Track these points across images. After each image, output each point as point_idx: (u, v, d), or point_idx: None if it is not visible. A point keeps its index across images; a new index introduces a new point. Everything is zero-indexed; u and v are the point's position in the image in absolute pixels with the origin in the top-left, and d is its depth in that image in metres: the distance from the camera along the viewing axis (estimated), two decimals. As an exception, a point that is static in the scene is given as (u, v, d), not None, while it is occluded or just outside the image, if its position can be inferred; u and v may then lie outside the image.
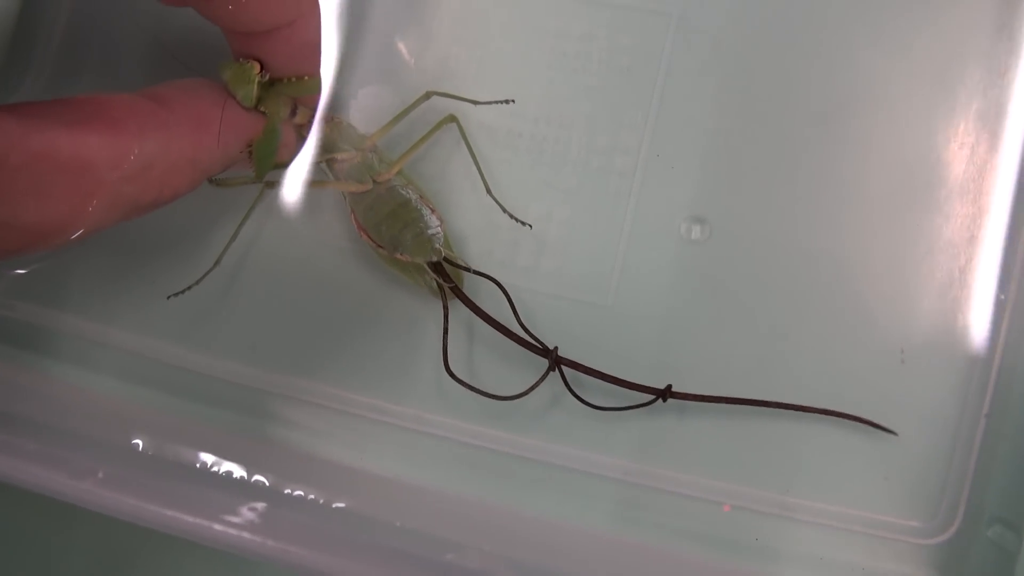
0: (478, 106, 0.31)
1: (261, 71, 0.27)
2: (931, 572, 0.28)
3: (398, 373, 0.31)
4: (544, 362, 0.29)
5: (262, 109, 0.27)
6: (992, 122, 0.29)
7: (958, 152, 0.29)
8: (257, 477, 0.28)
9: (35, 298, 0.32)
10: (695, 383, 0.29)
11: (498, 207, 0.31)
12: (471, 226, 0.31)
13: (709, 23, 0.31)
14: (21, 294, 0.32)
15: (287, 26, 0.26)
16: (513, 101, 0.31)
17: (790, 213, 0.30)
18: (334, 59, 0.31)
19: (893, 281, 0.29)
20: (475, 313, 0.29)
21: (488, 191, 0.30)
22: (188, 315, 0.31)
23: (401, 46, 0.32)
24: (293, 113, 0.28)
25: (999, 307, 0.29)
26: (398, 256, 0.29)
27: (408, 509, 0.28)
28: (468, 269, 0.30)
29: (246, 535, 0.22)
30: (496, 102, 0.31)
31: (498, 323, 0.29)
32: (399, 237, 0.29)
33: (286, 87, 0.27)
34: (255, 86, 0.26)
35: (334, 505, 0.27)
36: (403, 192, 0.29)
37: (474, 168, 0.30)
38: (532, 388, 0.29)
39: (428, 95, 0.30)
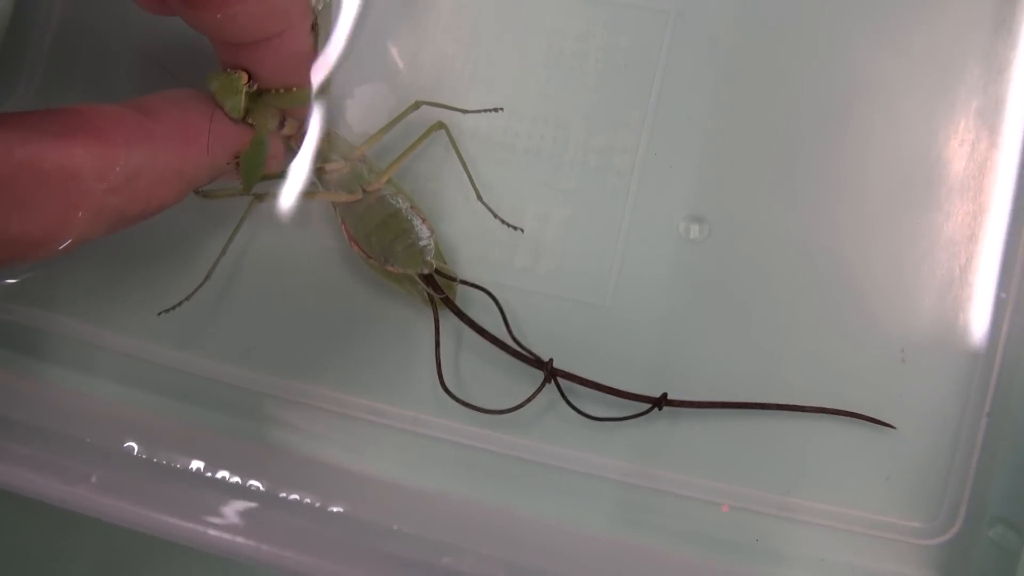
0: (473, 104, 0.31)
1: (249, 82, 0.26)
2: (932, 573, 0.28)
3: (394, 376, 0.31)
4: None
5: (250, 121, 0.27)
6: (992, 119, 0.29)
7: (958, 149, 0.29)
8: (252, 481, 0.28)
9: (31, 301, 0.32)
10: (693, 383, 0.29)
11: (491, 212, 0.30)
12: (467, 228, 0.31)
13: (707, 21, 0.30)
14: (16, 297, 0.32)
15: (275, 37, 0.25)
16: (502, 109, 0.31)
17: (789, 211, 0.30)
18: (329, 62, 0.31)
19: (893, 280, 0.29)
20: (468, 325, 0.29)
21: (479, 197, 0.30)
22: (183, 319, 0.31)
23: (397, 47, 0.32)
24: (281, 124, 0.28)
25: (1000, 305, 0.29)
26: (389, 268, 0.29)
27: (405, 512, 0.28)
28: (459, 281, 0.29)
29: (240, 539, 0.22)
30: (485, 110, 0.31)
31: (491, 335, 0.29)
32: (390, 248, 0.28)
33: (274, 98, 0.27)
34: (243, 97, 0.26)
35: (330, 509, 0.27)
36: (393, 201, 0.29)
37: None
38: (527, 401, 0.29)
39: (417, 104, 0.30)
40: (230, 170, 0.27)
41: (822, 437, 0.29)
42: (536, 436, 0.30)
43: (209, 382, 0.31)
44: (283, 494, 0.28)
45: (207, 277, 0.30)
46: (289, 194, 0.29)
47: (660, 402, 0.29)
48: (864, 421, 0.29)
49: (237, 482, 0.28)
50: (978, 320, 0.29)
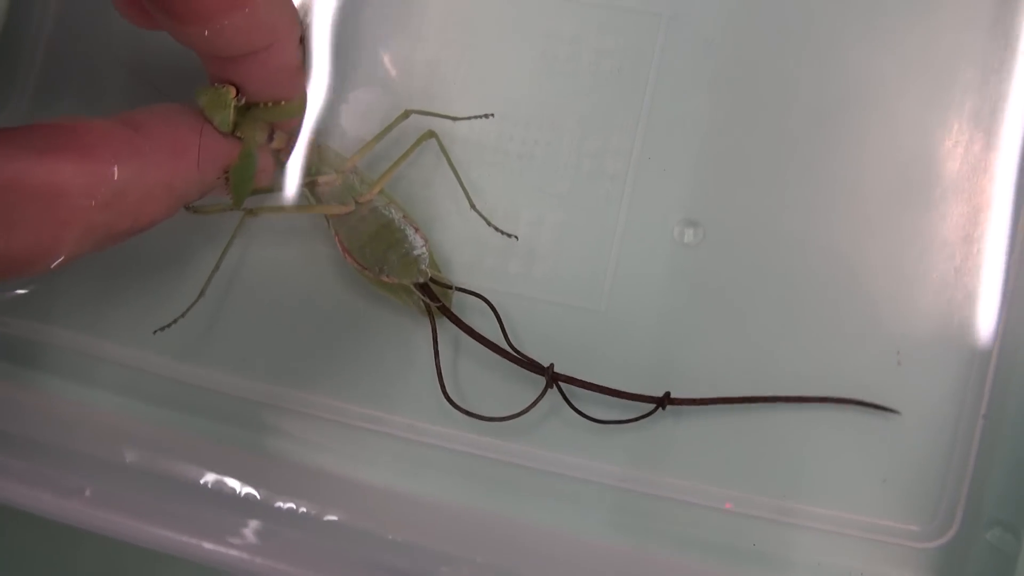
0: (466, 109, 0.30)
1: (237, 96, 0.26)
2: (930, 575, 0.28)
3: (391, 383, 0.31)
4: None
5: (239, 134, 0.27)
6: (986, 120, 0.29)
7: (952, 151, 0.29)
8: (249, 490, 0.28)
9: (27, 314, 0.32)
10: (690, 387, 0.29)
11: (484, 220, 0.30)
12: (461, 234, 0.31)
13: (700, 23, 0.30)
14: (12, 309, 0.32)
15: (263, 51, 0.25)
16: (492, 115, 0.31)
17: (783, 214, 0.30)
18: (322, 72, 0.31)
19: (888, 282, 0.29)
20: (466, 333, 0.29)
21: (472, 206, 0.30)
22: (180, 330, 0.30)
23: (389, 54, 0.31)
24: (270, 138, 0.28)
25: (995, 307, 0.28)
26: (384, 278, 0.28)
27: (401, 521, 0.28)
28: (455, 288, 0.29)
29: (234, 553, 0.22)
30: (475, 117, 0.31)
31: (491, 343, 0.29)
32: (384, 259, 0.28)
33: (263, 112, 0.27)
34: (231, 111, 0.26)
35: (326, 518, 0.27)
36: (386, 212, 0.29)
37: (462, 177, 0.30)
38: (530, 407, 0.29)
39: (406, 114, 0.30)
40: (220, 185, 0.27)
41: (819, 442, 0.29)
42: (534, 442, 0.30)
43: (206, 392, 0.31)
44: (280, 504, 0.28)
45: (201, 293, 0.30)
46: (281, 207, 0.29)
47: (664, 401, 0.29)
48: (864, 411, 0.28)
49: (234, 493, 0.28)
50: (974, 322, 0.29)
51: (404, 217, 0.29)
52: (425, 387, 0.30)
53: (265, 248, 0.31)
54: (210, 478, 0.28)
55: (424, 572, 0.25)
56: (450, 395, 0.29)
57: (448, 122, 0.30)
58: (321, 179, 0.29)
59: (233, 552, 0.22)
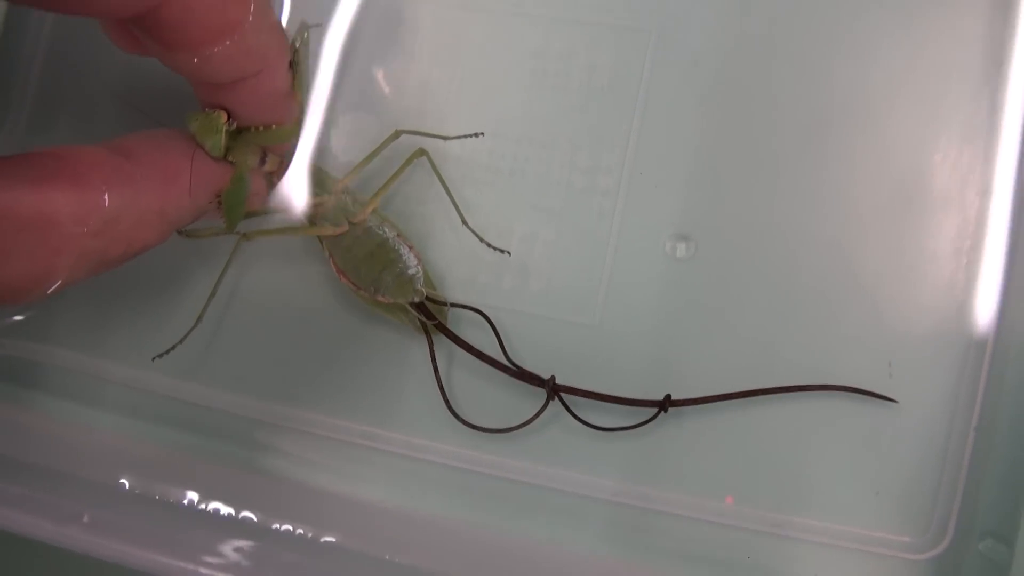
0: (458, 127, 0.31)
1: (229, 120, 0.26)
2: (924, 586, 0.28)
3: (389, 400, 0.31)
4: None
5: (230, 159, 0.27)
6: (975, 134, 0.29)
7: (941, 164, 0.29)
8: (246, 512, 0.28)
9: (25, 334, 0.32)
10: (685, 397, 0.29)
11: (477, 236, 0.30)
12: (455, 250, 0.31)
13: (689, 39, 0.30)
14: (10, 331, 0.32)
15: (253, 76, 0.25)
16: (483, 134, 0.31)
17: (774, 228, 0.30)
18: (314, 94, 0.31)
19: (879, 294, 0.29)
20: (464, 349, 0.29)
21: (464, 222, 0.30)
22: (178, 349, 0.31)
23: (381, 72, 0.32)
24: (262, 161, 0.28)
25: (986, 321, 0.29)
26: (379, 298, 0.29)
27: (397, 539, 0.28)
28: (451, 305, 0.29)
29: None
30: (466, 136, 0.31)
31: (490, 358, 0.29)
32: (379, 279, 0.29)
33: (254, 136, 0.27)
34: (223, 136, 0.26)
35: (323, 539, 0.27)
36: (379, 232, 0.29)
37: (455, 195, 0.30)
38: (534, 417, 0.29)
39: (397, 134, 0.30)
40: (213, 209, 0.27)
41: (812, 454, 0.29)
42: (532, 457, 0.30)
43: (205, 410, 0.31)
44: (277, 525, 0.28)
45: (199, 320, 0.30)
46: (275, 229, 0.30)
47: (665, 404, 0.29)
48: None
49: (230, 514, 0.28)
50: (964, 334, 0.29)
51: (398, 236, 0.29)
52: (424, 403, 0.30)
53: (262, 268, 0.31)
54: (207, 500, 0.28)
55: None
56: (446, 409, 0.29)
57: (441, 140, 0.31)
58: (314, 200, 0.29)
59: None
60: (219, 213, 0.27)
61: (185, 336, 0.30)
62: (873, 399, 0.29)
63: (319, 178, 0.30)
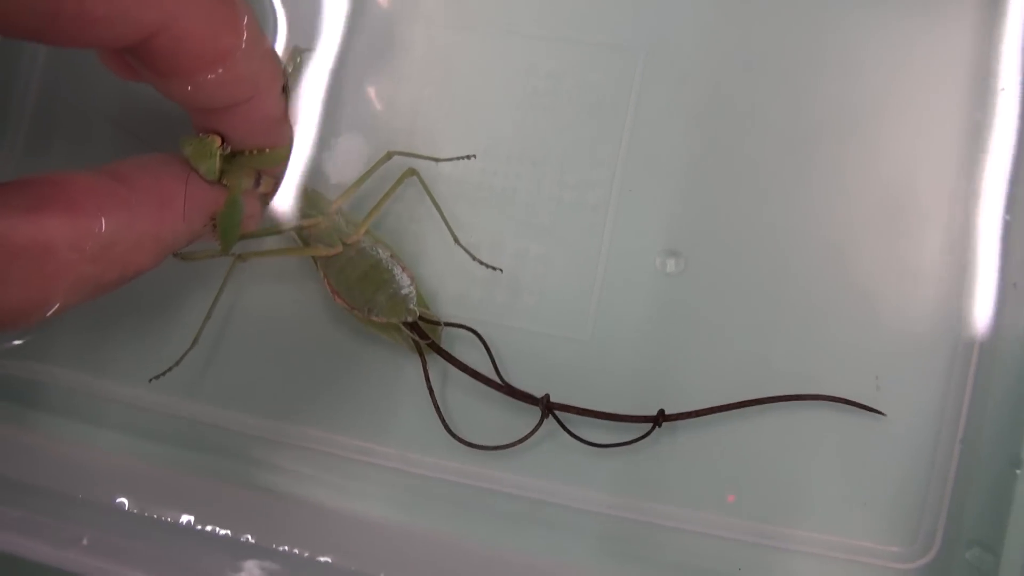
0: (450, 146, 0.31)
1: (223, 144, 0.26)
2: (912, 596, 0.29)
3: (384, 417, 0.31)
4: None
5: (225, 182, 0.27)
6: (962, 147, 0.29)
7: (928, 178, 0.29)
8: (243, 530, 0.28)
9: (24, 354, 0.33)
10: (675, 411, 0.30)
11: (468, 254, 0.31)
12: (447, 267, 0.31)
13: (677, 58, 0.31)
14: (9, 352, 0.32)
15: (245, 102, 0.26)
16: (475, 156, 0.31)
17: (762, 243, 0.30)
18: (306, 116, 0.31)
19: (866, 308, 0.29)
20: (458, 368, 0.30)
21: (456, 241, 0.31)
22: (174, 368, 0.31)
23: (373, 93, 0.32)
24: (257, 183, 0.28)
25: (972, 332, 0.29)
26: (373, 318, 0.29)
27: (393, 554, 0.29)
28: (444, 324, 0.30)
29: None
30: (457, 158, 0.31)
31: (484, 376, 0.30)
32: (373, 299, 0.29)
33: (248, 159, 0.28)
34: (217, 160, 0.26)
35: (319, 559, 0.28)
36: (373, 252, 0.30)
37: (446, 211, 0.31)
38: (529, 435, 0.29)
39: (389, 155, 0.30)
40: (208, 231, 0.27)
41: (800, 466, 0.29)
42: (526, 471, 0.31)
43: (203, 427, 0.32)
44: (274, 542, 0.28)
45: (195, 342, 0.30)
46: (269, 251, 0.30)
47: (659, 419, 0.29)
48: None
49: (228, 534, 0.28)
50: (950, 348, 0.29)
51: (391, 256, 0.30)
52: (419, 419, 0.31)
53: (258, 288, 0.32)
54: (205, 519, 0.28)
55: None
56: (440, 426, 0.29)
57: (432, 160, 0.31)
58: (307, 222, 0.30)
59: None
60: (214, 236, 0.27)
61: (182, 357, 0.30)
62: (862, 411, 0.29)
63: (313, 200, 0.30)
